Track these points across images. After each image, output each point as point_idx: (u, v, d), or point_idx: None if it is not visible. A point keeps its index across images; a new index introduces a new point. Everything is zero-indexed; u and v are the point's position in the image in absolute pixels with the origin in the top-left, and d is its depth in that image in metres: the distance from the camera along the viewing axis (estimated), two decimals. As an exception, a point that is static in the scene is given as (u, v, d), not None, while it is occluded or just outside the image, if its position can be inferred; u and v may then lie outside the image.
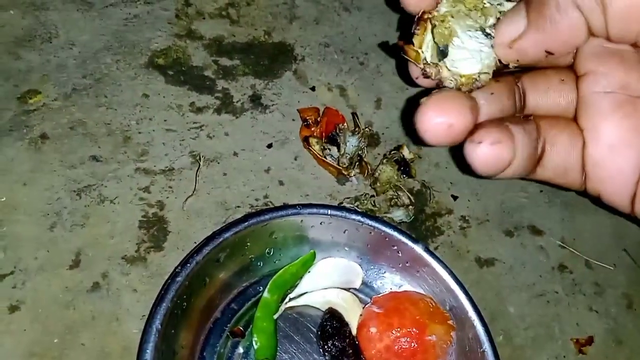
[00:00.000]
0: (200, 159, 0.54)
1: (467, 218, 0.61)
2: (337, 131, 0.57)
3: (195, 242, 0.50)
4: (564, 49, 0.32)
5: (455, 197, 0.61)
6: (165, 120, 0.56)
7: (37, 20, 0.59)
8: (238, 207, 0.54)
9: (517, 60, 0.32)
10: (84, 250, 0.47)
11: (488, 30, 0.33)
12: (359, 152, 0.57)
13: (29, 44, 0.58)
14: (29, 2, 0.61)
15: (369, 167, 0.58)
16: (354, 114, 0.61)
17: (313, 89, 0.63)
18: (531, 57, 0.32)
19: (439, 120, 0.30)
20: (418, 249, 0.50)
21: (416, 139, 0.34)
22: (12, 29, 0.58)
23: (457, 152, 0.60)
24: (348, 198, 0.57)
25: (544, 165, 0.33)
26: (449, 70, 0.33)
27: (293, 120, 0.60)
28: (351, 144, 0.56)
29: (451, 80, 0.33)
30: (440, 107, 0.30)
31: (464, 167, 0.32)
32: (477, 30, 0.33)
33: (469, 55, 0.33)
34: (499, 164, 0.31)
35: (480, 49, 0.33)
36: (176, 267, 0.44)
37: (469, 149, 0.30)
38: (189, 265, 0.44)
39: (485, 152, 0.30)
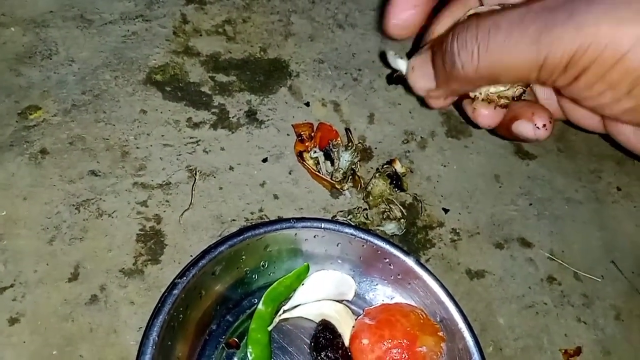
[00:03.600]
0: (196, 173, 0.56)
1: (457, 231, 0.62)
2: (331, 146, 0.58)
3: (191, 255, 0.52)
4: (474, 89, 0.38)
5: (446, 210, 0.63)
6: (162, 136, 0.57)
7: (38, 37, 0.61)
8: (234, 220, 0.55)
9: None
10: (83, 263, 0.49)
11: None
12: (352, 167, 0.58)
13: (29, 60, 0.59)
14: (29, 20, 0.62)
15: (362, 181, 0.59)
16: (347, 130, 0.62)
17: (307, 104, 0.64)
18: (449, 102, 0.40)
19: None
20: (409, 261, 0.51)
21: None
22: (13, 46, 0.60)
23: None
24: (341, 211, 0.58)
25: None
26: None
27: (288, 135, 0.62)
28: (344, 158, 0.58)
29: None
30: None
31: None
32: None
33: None
34: None
35: None
36: (173, 280, 0.45)
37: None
38: (185, 278, 0.45)
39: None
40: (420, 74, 0.38)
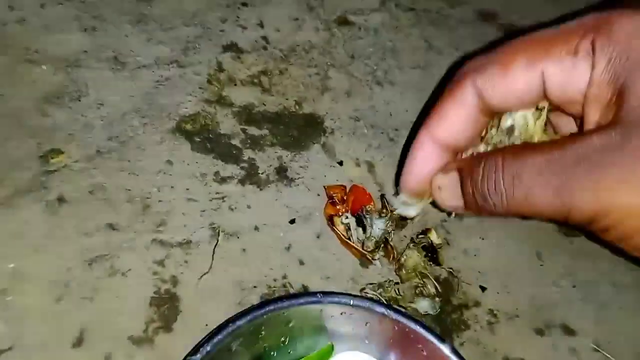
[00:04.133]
0: (219, 232, 0.52)
1: (495, 312, 0.57)
2: (364, 212, 0.54)
3: (206, 324, 0.47)
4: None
5: (483, 289, 0.58)
6: (187, 189, 0.54)
7: (69, 77, 0.59)
8: (255, 287, 0.51)
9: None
10: (89, 327, 0.45)
11: None
12: (386, 236, 0.54)
13: (57, 101, 0.57)
14: (62, 58, 0.61)
15: (395, 252, 0.55)
16: (382, 196, 0.58)
17: (341, 163, 0.61)
18: None
19: None
20: (445, 350, 0.46)
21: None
22: (43, 85, 0.58)
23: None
24: (371, 284, 0.54)
25: None
26: None
27: (318, 195, 0.58)
28: (378, 226, 0.54)
29: None
30: None
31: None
32: None
33: None
34: None
35: None
36: (186, 356, 0.41)
37: None
38: (199, 354, 0.41)
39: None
40: (449, 196, 0.36)
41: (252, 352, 0.45)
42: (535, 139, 0.35)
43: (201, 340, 0.42)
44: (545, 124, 0.35)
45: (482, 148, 0.37)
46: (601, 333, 0.59)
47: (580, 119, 0.33)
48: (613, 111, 0.29)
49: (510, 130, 0.35)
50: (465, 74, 0.34)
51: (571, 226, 0.31)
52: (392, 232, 0.55)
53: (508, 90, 0.33)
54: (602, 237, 0.31)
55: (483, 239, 0.61)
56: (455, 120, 0.35)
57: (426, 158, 0.37)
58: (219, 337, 0.42)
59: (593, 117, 0.31)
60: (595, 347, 0.58)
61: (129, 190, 0.53)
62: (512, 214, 0.32)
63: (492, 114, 0.36)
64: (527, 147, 0.32)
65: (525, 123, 0.35)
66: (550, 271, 0.61)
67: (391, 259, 0.55)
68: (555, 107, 0.34)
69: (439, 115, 0.36)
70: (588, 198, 0.28)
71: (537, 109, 0.34)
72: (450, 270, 0.58)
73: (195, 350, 0.41)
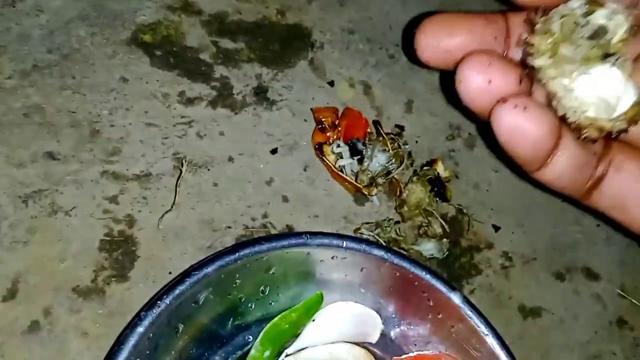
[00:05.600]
0: (184, 163, 0.43)
1: (510, 255, 0.50)
2: (367, 141, 0.46)
3: (170, 272, 0.40)
4: None
5: (497, 228, 0.50)
6: (146, 112, 0.45)
7: (0, -22, 0.48)
8: (229, 227, 0.43)
9: None
10: (25, 276, 0.37)
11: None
12: (385, 172, 0.46)
13: (-14, 6, 0.47)
14: (-8, -45, 0.49)
15: (401, 187, 0.47)
16: (376, 122, 0.49)
17: (331, 83, 0.52)
18: None
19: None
20: (455, 298, 0.39)
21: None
22: (-34, -13, 0.47)
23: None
24: (367, 223, 0.46)
25: (601, 191, 0.29)
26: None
27: (305, 120, 0.49)
28: (378, 161, 0.45)
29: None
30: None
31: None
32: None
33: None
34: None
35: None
36: (140, 311, 0.33)
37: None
38: (155, 310, 0.33)
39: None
40: None
41: (225, 304, 0.38)
42: None
43: (159, 291, 0.34)
44: None
45: None
46: (627, 277, 0.53)
47: None
48: None
49: None
50: None
51: None
52: (394, 170, 0.46)
53: None
54: None
55: (497, 171, 0.53)
56: None
57: None
58: (182, 287, 0.35)
59: None
60: (620, 292, 0.52)
61: (73, 112, 0.43)
62: None
63: None
64: None
65: None
66: (571, 209, 0.54)
67: (397, 195, 0.47)
68: None
69: None
70: None
71: None
72: (459, 207, 0.50)
73: (150, 304, 0.33)
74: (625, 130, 0.25)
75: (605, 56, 0.24)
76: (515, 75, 0.25)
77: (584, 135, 0.25)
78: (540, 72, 0.25)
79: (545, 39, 0.24)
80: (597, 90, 0.25)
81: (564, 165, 0.29)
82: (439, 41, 0.26)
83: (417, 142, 0.51)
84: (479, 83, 0.25)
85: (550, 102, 0.25)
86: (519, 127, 0.26)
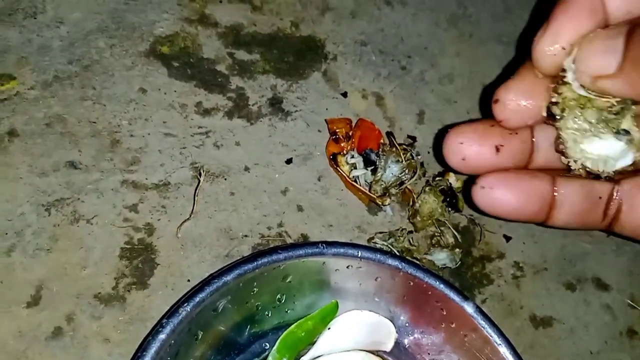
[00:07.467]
0: (202, 173, 0.44)
1: (521, 265, 0.50)
2: (380, 151, 0.46)
3: (189, 280, 0.40)
4: None
5: (508, 238, 0.51)
6: (164, 123, 0.46)
7: (22, -10, 0.49)
8: (245, 236, 0.43)
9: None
10: (47, 283, 0.37)
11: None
12: (400, 181, 0.47)
13: (8, 18, 0.48)
14: (14, -31, 0.51)
15: (414, 197, 0.47)
16: (389, 133, 0.50)
17: (345, 94, 0.53)
18: (614, 94, 0.29)
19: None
20: (468, 308, 0.39)
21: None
22: (-10, -1, 0.48)
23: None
24: (381, 233, 0.46)
25: (621, 222, 0.32)
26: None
27: (319, 131, 0.50)
28: (392, 171, 0.46)
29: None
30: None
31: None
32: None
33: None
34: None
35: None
36: (160, 320, 0.34)
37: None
38: (176, 318, 0.34)
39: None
40: (600, 49, 0.27)
41: (242, 312, 0.39)
42: None
43: (181, 298, 0.35)
44: None
45: None
46: (637, 287, 0.53)
47: None
48: None
49: None
50: None
51: None
52: (408, 180, 0.47)
53: None
54: None
55: (507, 182, 0.53)
56: None
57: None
58: (202, 295, 0.35)
59: None
60: (630, 303, 0.52)
61: (94, 122, 0.44)
62: None
63: None
64: None
65: None
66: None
67: (410, 203, 0.48)
68: None
69: None
70: None
71: None
72: (471, 217, 0.50)
73: (173, 311, 0.34)
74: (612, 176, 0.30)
75: (619, 132, 0.27)
76: (488, 149, 0.32)
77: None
78: (559, 120, 0.28)
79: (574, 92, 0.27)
80: (601, 150, 0.28)
81: (567, 214, 0.32)
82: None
83: (429, 152, 0.52)
84: (458, 160, 0.33)
85: (556, 144, 0.29)
86: (492, 204, 0.32)
